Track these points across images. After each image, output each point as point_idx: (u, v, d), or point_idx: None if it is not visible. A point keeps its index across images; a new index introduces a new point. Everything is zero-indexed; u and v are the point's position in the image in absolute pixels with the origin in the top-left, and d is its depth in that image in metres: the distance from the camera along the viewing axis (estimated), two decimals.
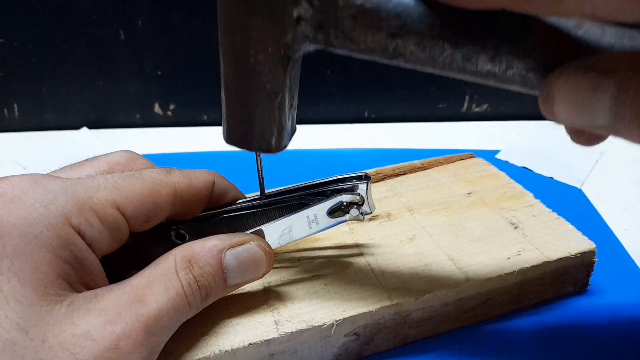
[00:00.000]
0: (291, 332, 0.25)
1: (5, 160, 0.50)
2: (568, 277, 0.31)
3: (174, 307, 0.22)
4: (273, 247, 0.26)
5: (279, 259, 0.30)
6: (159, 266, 0.23)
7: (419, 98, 0.56)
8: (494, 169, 0.38)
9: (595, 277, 0.32)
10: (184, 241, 0.28)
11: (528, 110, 0.57)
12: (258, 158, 0.27)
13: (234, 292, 0.27)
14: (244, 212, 0.28)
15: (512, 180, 0.37)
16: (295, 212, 0.27)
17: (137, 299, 0.21)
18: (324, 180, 0.28)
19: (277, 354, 0.25)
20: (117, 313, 0.20)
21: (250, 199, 0.29)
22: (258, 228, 0.26)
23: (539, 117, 0.56)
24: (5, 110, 0.55)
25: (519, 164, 0.47)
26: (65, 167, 0.26)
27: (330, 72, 0.55)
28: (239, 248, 0.24)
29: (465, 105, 0.57)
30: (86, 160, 0.26)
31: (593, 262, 0.31)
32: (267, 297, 0.27)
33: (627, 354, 0.28)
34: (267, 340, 0.24)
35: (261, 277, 0.25)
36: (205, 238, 0.24)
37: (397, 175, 0.38)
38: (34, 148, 0.52)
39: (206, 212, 0.28)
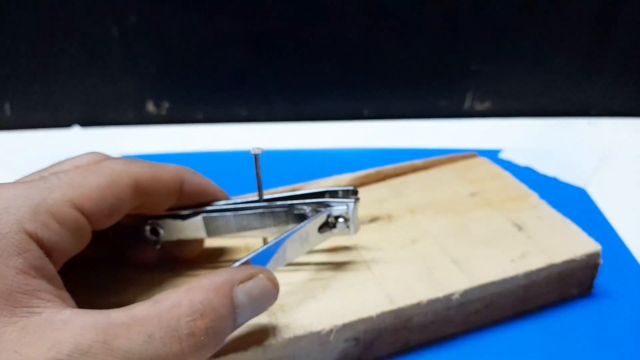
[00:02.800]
0: (289, 338, 0.24)
1: None
2: (573, 279, 0.30)
3: None
4: None
5: None
6: (156, 305, 0.19)
7: (420, 95, 0.56)
8: (498, 169, 0.38)
9: (600, 279, 0.31)
10: (158, 237, 0.27)
11: (531, 108, 0.56)
12: (257, 160, 0.26)
13: None
14: (225, 213, 0.27)
15: (516, 181, 0.36)
16: (290, 233, 0.25)
17: (103, 340, 0.17)
18: (312, 191, 0.28)
19: None
20: (70, 353, 0.17)
21: (233, 201, 0.28)
22: (254, 253, 0.24)
23: (543, 114, 0.56)
24: None
25: (523, 163, 0.47)
26: (28, 175, 0.24)
27: (329, 70, 0.54)
28: (250, 283, 0.21)
29: (467, 102, 0.56)
30: (52, 165, 0.25)
31: (598, 264, 0.30)
32: None
33: (632, 357, 0.27)
34: (265, 346, 0.23)
35: (267, 309, 0.23)
36: (212, 273, 0.21)
37: (398, 175, 0.37)
38: (26, 147, 0.52)
39: (183, 209, 0.27)
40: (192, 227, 0.27)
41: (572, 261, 0.29)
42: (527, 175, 0.44)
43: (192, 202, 0.27)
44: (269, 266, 0.24)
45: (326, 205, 0.27)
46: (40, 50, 0.52)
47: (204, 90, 0.55)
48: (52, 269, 0.20)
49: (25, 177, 0.23)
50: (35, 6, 0.49)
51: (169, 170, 0.25)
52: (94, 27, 0.51)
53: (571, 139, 0.52)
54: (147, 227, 0.27)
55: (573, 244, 0.30)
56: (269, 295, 0.22)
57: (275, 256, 0.25)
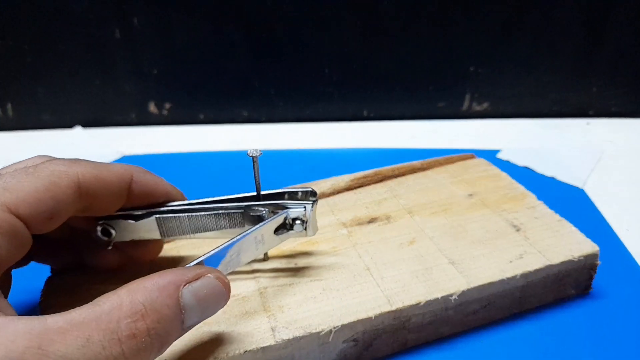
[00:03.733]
0: (288, 339, 0.24)
1: None
2: (570, 280, 0.30)
3: None
4: None
5: (275, 263, 0.29)
6: (94, 308, 0.18)
7: (419, 96, 0.56)
8: (495, 170, 0.38)
9: (598, 280, 0.31)
10: (109, 237, 0.27)
11: (529, 109, 0.57)
12: (255, 162, 0.26)
13: (230, 298, 0.26)
14: (179, 214, 0.27)
15: (513, 181, 0.36)
16: (243, 235, 0.25)
17: (38, 346, 0.16)
18: (268, 192, 0.27)
19: None
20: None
21: (189, 202, 0.27)
22: (206, 255, 0.23)
23: (540, 115, 0.57)
24: (0, 110, 0.55)
25: (521, 163, 0.47)
26: None
27: (329, 71, 0.54)
28: (197, 283, 0.21)
29: (466, 103, 0.56)
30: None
31: (596, 265, 0.30)
32: (264, 303, 0.26)
33: (630, 357, 0.28)
34: (264, 347, 0.24)
35: (218, 311, 0.22)
36: (155, 273, 0.20)
37: (397, 176, 0.38)
38: (28, 148, 0.52)
39: (137, 209, 0.26)
40: (146, 228, 0.27)
41: (569, 262, 0.29)
42: (525, 176, 0.45)
43: (144, 202, 0.26)
44: (222, 268, 0.24)
45: (283, 207, 0.26)
46: (43, 51, 0.52)
47: (205, 92, 0.55)
48: None
49: None
50: (39, 8, 0.50)
51: (115, 170, 0.24)
52: (98, 29, 0.51)
53: (569, 140, 0.52)
54: (99, 228, 0.27)
55: (570, 244, 0.30)
56: (219, 296, 0.22)
57: (229, 258, 0.24)
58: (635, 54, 0.53)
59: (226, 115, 0.57)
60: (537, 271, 0.28)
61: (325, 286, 0.27)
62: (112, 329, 0.18)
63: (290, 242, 0.31)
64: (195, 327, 0.24)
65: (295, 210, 0.26)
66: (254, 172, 0.27)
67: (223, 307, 0.22)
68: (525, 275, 0.28)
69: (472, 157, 0.40)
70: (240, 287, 0.27)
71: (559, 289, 0.30)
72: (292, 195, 0.27)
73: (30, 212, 0.21)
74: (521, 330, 0.29)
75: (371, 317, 0.25)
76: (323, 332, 0.25)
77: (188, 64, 0.54)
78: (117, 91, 0.55)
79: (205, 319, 0.21)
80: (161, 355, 0.23)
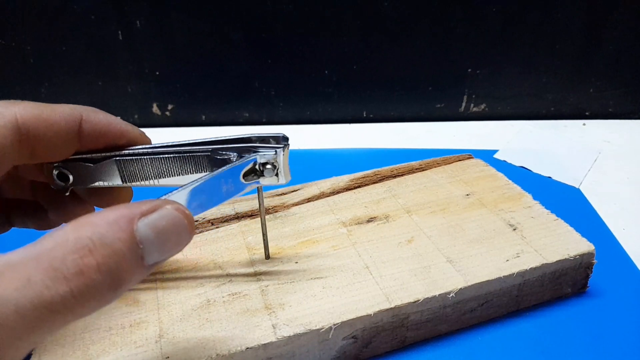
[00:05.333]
0: (289, 336, 0.24)
1: None
2: (567, 278, 0.31)
3: (39, 306, 0.16)
4: None
5: (276, 262, 0.30)
6: (35, 247, 0.17)
7: (417, 98, 0.56)
8: (492, 170, 0.38)
9: (594, 278, 0.31)
10: (66, 183, 0.25)
11: (526, 110, 0.57)
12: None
13: (230, 295, 0.27)
14: (141, 157, 0.25)
15: (510, 182, 0.37)
16: (207, 178, 0.23)
17: None
18: (236, 137, 0.25)
19: (274, 357, 0.25)
20: None
21: (153, 145, 0.26)
22: (168, 195, 0.22)
23: (537, 116, 0.57)
24: None
25: (517, 163, 0.47)
26: None
27: (329, 72, 0.54)
28: (154, 215, 0.19)
29: (463, 105, 0.57)
30: None
31: (592, 264, 0.31)
32: (265, 301, 0.27)
33: (626, 356, 0.28)
34: (265, 344, 0.24)
35: (182, 249, 0.20)
36: (107, 208, 0.18)
37: (395, 176, 0.38)
38: None
39: (95, 152, 0.25)
40: (105, 172, 0.25)
41: (565, 261, 0.29)
42: (522, 176, 0.45)
43: (101, 144, 0.25)
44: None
45: (253, 150, 0.25)
46: (46, 53, 0.52)
47: (207, 93, 0.56)
48: None
49: None
50: (41, 9, 0.50)
51: (61, 110, 0.23)
52: (100, 30, 0.51)
53: (565, 140, 0.52)
54: (55, 172, 0.25)
55: (567, 243, 0.30)
56: (180, 227, 0.19)
57: (193, 200, 0.22)
58: (632, 55, 0.53)
59: (227, 116, 0.57)
60: (533, 270, 0.29)
61: (325, 284, 0.28)
62: (55, 267, 0.16)
63: (290, 241, 0.31)
64: (196, 324, 0.25)
65: (265, 154, 0.24)
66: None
67: (187, 242, 0.20)
68: (521, 274, 0.29)
69: (469, 157, 0.41)
70: (241, 285, 0.28)
71: (555, 288, 0.31)
72: (263, 140, 0.25)
73: None
74: (518, 328, 0.30)
75: (370, 315, 0.26)
76: (323, 330, 0.25)
77: (190, 66, 0.54)
78: (120, 92, 0.55)
79: (169, 255, 0.19)
80: (163, 353, 0.23)
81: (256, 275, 0.29)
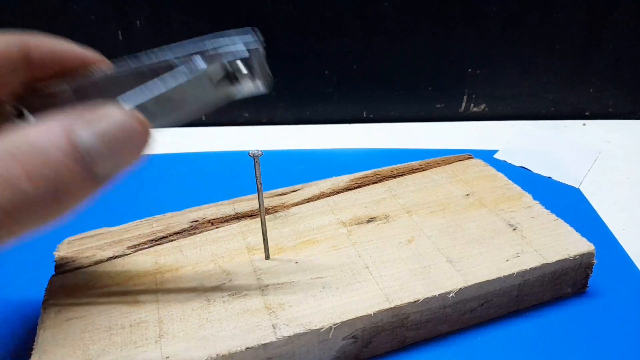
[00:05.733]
0: (289, 336, 0.25)
1: None
2: (567, 278, 0.31)
3: None
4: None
5: (276, 262, 0.30)
6: None
7: (417, 98, 0.56)
8: (492, 170, 0.38)
9: (594, 278, 0.31)
10: (24, 120, 0.23)
11: (526, 110, 0.57)
12: (256, 162, 0.26)
13: (230, 295, 0.27)
14: (104, 81, 0.22)
15: (510, 182, 0.37)
16: (164, 81, 0.20)
17: None
18: (197, 39, 0.22)
19: (274, 357, 0.25)
20: None
21: (117, 66, 0.23)
22: (123, 95, 0.19)
23: (537, 116, 0.57)
24: None
25: (517, 163, 0.47)
26: None
27: (329, 72, 0.54)
28: (101, 123, 0.17)
29: (463, 105, 0.57)
30: None
31: (592, 264, 0.31)
32: (265, 300, 0.27)
33: (626, 356, 0.28)
34: (265, 344, 0.24)
35: (139, 158, 0.18)
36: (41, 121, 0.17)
37: (395, 176, 0.38)
38: None
39: (53, 83, 0.22)
40: (68, 104, 0.21)
41: (565, 261, 0.29)
42: (522, 176, 0.45)
43: (55, 71, 0.22)
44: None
45: (217, 49, 0.21)
46: None
47: None
48: None
49: None
50: (41, 9, 0.50)
51: (1, 38, 0.21)
52: (100, 30, 0.51)
53: (565, 140, 0.52)
54: (7, 106, 0.22)
55: (566, 243, 0.30)
56: (133, 135, 0.17)
57: (150, 104, 0.19)
58: (632, 55, 0.53)
59: (227, 116, 0.57)
60: (533, 270, 0.29)
61: (325, 284, 0.28)
62: None
63: (290, 241, 0.31)
64: (196, 324, 0.25)
65: (232, 50, 0.21)
66: (255, 173, 0.27)
67: (143, 150, 0.18)
68: (521, 274, 0.29)
69: (469, 157, 0.41)
70: (241, 285, 0.28)
71: (555, 288, 0.31)
72: (228, 42, 0.22)
73: None
74: (518, 328, 0.30)
75: (370, 315, 0.26)
76: (323, 329, 0.25)
77: None
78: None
79: (124, 166, 0.18)
80: (163, 353, 0.23)
81: (256, 275, 0.29)
